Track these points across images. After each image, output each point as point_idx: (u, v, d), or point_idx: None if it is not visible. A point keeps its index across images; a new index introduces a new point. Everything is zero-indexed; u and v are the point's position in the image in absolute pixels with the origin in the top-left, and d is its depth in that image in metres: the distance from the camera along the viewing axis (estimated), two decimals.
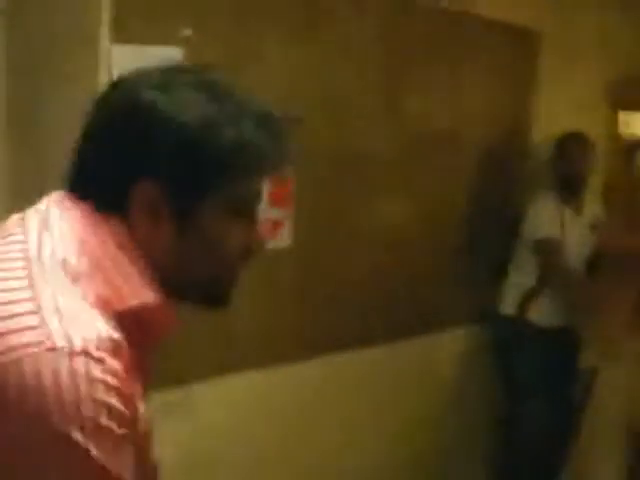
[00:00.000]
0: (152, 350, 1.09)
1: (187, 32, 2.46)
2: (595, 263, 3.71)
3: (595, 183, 3.94)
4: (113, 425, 0.90)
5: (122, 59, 2.31)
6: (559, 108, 3.87)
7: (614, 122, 4.16)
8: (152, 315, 1.03)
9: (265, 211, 2.71)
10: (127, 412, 0.92)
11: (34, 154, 2.44)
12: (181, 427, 2.63)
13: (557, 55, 3.85)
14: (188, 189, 1.02)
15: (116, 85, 1.10)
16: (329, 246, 2.99)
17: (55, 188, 1.09)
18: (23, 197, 1.18)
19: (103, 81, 2.29)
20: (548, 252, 3.57)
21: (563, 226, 3.62)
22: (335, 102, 2.93)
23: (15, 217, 1.05)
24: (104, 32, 2.32)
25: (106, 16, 2.33)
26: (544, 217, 3.61)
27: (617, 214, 3.89)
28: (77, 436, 0.87)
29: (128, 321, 0.98)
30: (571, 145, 3.67)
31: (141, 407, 1.00)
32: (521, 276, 3.64)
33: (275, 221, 2.75)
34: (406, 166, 3.25)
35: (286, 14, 2.73)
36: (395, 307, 3.29)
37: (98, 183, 1.03)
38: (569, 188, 3.67)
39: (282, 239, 2.78)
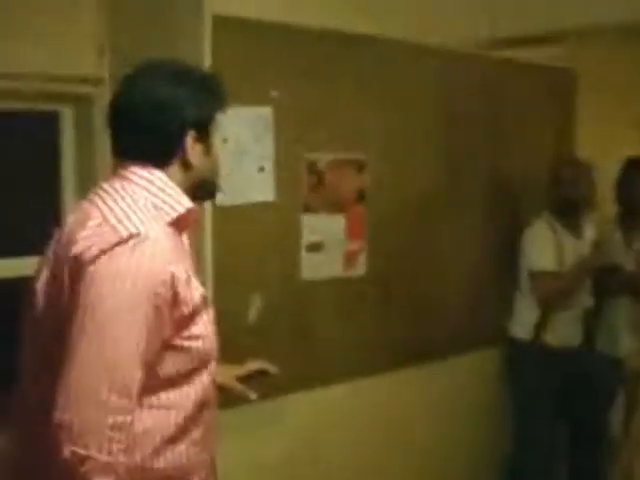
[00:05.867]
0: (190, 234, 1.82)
1: (275, 93, 2.86)
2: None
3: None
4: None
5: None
6: (596, 141, 4.17)
7: None
8: (190, 213, 1.72)
9: (344, 243, 3.11)
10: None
11: None
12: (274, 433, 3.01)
13: (592, 91, 4.19)
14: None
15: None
16: (396, 272, 3.36)
17: None
18: None
19: None
20: (543, 285, 3.62)
21: (562, 251, 3.65)
22: (396, 148, 3.31)
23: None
24: None
25: None
26: (539, 247, 3.64)
27: None
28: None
29: (178, 222, 1.68)
30: (565, 170, 3.69)
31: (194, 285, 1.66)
32: (527, 302, 3.70)
33: (352, 251, 3.14)
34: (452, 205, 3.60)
35: (352, 74, 3.12)
36: (448, 327, 3.62)
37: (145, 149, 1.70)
38: (566, 212, 3.70)
39: (358, 267, 3.17)
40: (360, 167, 3.13)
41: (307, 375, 3.05)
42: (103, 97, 2.89)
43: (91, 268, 1.53)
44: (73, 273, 1.56)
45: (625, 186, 3.88)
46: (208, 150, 1.74)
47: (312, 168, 2.97)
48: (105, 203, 1.64)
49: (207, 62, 2.69)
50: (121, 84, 1.74)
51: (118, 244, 1.54)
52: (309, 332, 3.05)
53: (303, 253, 2.98)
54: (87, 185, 2.91)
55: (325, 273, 3.07)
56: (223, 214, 2.71)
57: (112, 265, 1.53)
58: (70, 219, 1.70)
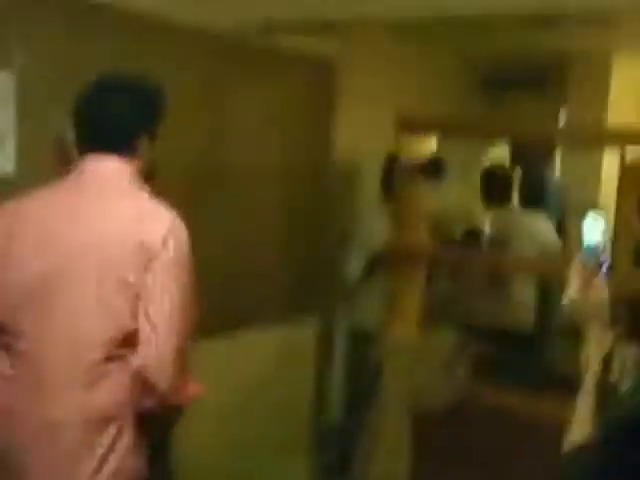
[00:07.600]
0: None
1: (20, 59, 2.64)
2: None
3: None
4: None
5: None
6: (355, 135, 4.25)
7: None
8: None
9: None
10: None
11: None
12: None
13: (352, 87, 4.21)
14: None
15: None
16: None
17: None
18: None
19: None
20: None
21: None
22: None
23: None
24: None
25: None
26: None
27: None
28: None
29: None
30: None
31: None
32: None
33: None
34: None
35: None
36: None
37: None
38: None
39: None
40: None
41: None
42: None
43: (166, 244, 2.01)
44: (144, 254, 1.99)
45: (389, 185, 3.93)
46: (152, 143, 2.20)
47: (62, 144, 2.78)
48: (124, 191, 2.11)
49: None
50: (93, 98, 2.13)
51: (172, 222, 2.06)
52: None
53: None
54: None
55: None
56: None
57: (175, 239, 2.03)
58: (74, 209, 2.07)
